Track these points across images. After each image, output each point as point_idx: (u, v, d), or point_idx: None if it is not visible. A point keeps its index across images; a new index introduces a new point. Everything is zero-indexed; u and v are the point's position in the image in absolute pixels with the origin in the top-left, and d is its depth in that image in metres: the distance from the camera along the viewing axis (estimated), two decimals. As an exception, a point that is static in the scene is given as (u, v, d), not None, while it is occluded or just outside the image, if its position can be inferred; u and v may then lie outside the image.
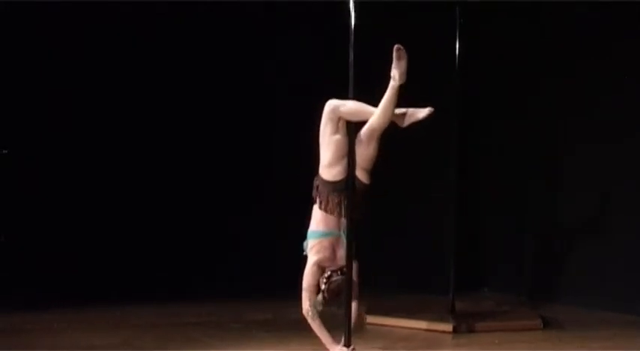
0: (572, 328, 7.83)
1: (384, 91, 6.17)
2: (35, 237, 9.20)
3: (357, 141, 6.14)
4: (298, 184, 6.92)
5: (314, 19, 9.36)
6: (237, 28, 9.72)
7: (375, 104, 6.20)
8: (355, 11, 6.17)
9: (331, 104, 6.15)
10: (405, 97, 6.23)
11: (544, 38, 8.99)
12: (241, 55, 9.75)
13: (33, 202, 9.26)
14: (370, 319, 7.80)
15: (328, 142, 6.12)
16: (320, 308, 6.04)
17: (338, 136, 6.11)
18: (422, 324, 7.65)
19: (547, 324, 7.83)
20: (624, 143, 8.40)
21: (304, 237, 6.22)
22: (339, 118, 6.13)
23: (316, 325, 6.03)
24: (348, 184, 6.07)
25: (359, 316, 6.36)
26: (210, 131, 9.72)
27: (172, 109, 9.66)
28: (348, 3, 6.18)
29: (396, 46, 6.02)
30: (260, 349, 6.77)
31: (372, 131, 6.14)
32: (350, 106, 6.13)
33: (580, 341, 7.28)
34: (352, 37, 6.17)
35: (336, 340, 6.13)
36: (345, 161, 6.09)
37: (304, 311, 6.04)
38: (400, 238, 9.40)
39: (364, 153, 6.14)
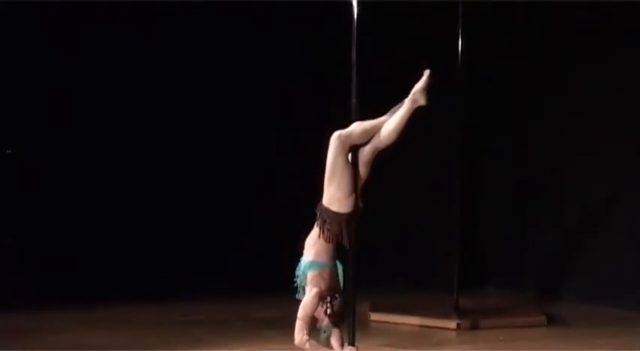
0: (577, 324, 7.84)
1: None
2: (38, 236, 9.20)
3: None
4: (300, 182, 6.91)
5: (315, 18, 9.36)
6: (237, 28, 9.72)
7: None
8: (358, 9, 6.13)
9: (341, 136, 5.97)
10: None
11: (547, 37, 8.99)
12: (243, 55, 9.75)
13: (36, 201, 9.27)
14: (374, 316, 7.82)
15: (342, 177, 5.94)
16: (329, 332, 6.01)
17: (349, 168, 5.98)
18: (426, 321, 7.66)
19: (551, 321, 7.83)
20: (628, 142, 8.41)
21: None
22: (350, 148, 6.00)
23: (314, 349, 5.98)
24: (358, 212, 6.00)
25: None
26: (212, 131, 9.72)
27: (173, 110, 9.66)
28: (351, 2, 6.14)
29: (428, 72, 6.01)
30: (266, 347, 6.76)
31: (375, 149, 6.05)
32: (359, 130, 6.00)
33: (585, 338, 7.28)
34: (354, 35, 6.14)
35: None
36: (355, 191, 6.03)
37: (298, 341, 5.96)
38: (404, 235, 9.40)
39: (363, 173, 6.05)
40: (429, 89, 6.05)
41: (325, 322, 5.96)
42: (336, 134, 5.99)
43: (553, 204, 8.99)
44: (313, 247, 6.03)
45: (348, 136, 5.99)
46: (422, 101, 6.03)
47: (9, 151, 9.19)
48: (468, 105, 8.28)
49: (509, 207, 9.37)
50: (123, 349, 6.70)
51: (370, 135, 6.03)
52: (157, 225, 9.52)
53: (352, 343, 6.08)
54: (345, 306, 5.99)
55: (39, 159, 9.35)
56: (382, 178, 6.25)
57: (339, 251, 6.07)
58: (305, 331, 5.93)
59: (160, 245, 9.46)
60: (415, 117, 6.09)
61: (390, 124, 6.03)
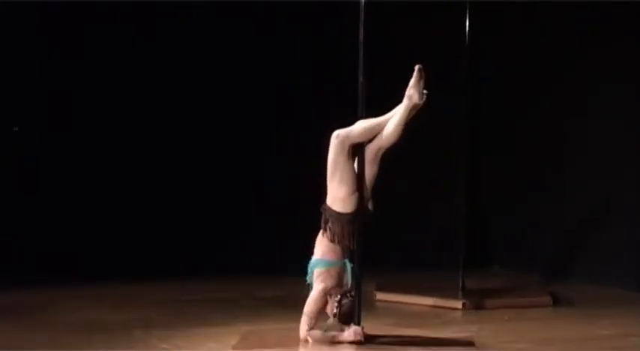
0: (582, 305, 7.85)
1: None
2: (47, 213, 9.21)
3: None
4: (309, 160, 6.90)
5: (317, 18, 9.42)
6: (238, 28, 9.73)
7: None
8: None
9: (339, 135, 5.94)
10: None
11: (547, 37, 9.02)
12: (244, 53, 9.76)
13: (45, 177, 9.27)
14: (380, 295, 7.83)
15: (342, 176, 5.91)
16: (334, 332, 5.99)
17: (351, 167, 5.95)
18: (431, 301, 7.68)
19: (557, 301, 7.83)
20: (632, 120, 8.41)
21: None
22: (351, 146, 5.97)
23: (319, 338, 5.98)
24: (362, 213, 5.95)
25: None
26: (218, 114, 9.74)
27: (177, 108, 9.67)
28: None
29: (418, 67, 5.98)
30: (272, 325, 6.77)
31: (378, 150, 6.03)
32: (359, 129, 5.96)
33: (590, 318, 7.29)
34: (362, 13, 6.10)
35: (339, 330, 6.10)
36: (356, 190, 5.98)
37: (301, 335, 5.97)
38: (410, 214, 9.41)
39: (369, 175, 6.01)
40: (421, 84, 6.01)
41: (329, 321, 5.95)
42: (335, 134, 5.98)
43: (559, 184, 9.00)
44: (320, 245, 6.04)
45: (347, 135, 5.96)
46: (416, 98, 6.00)
47: (16, 129, 9.20)
48: (477, 85, 8.31)
49: (514, 186, 9.37)
50: (125, 327, 6.70)
51: (373, 133, 6.01)
52: (165, 202, 9.54)
53: (358, 323, 6.07)
54: (354, 306, 5.98)
55: (49, 138, 9.35)
56: (388, 161, 6.23)
57: (349, 250, 6.03)
58: (308, 326, 5.94)
59: (168, 223, 9.48)
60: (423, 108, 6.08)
61: (390, 123, 6.02)
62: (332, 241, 5.98)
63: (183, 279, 8.55)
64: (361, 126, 6.00)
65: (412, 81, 6.02)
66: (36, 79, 9.21)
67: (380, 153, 6.05)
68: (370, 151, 6.03)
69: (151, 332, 6.53)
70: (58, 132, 9.35)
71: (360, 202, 5.95)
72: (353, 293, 6.00)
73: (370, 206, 6.03)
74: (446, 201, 9.00)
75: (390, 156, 6.17)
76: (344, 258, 6.02)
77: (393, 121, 6.00)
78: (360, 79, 6.06)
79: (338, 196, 5.96)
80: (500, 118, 9.46)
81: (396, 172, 8.66)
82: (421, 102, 6.02)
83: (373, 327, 6.26)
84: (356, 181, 5.96)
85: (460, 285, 7.89)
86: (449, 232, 8.56)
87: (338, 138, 5.95)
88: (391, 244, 9.01)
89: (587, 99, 8.72)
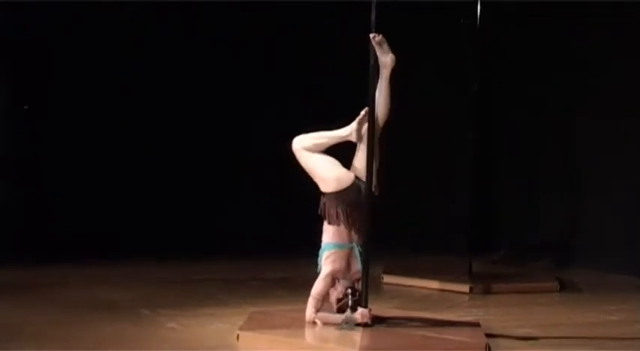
0: (589, 290, 7.86)
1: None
2: (54, 192, 9.24)
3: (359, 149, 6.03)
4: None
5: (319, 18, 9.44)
6: (239, 27, 9.78)
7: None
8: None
9: (294, 142, 6.08)
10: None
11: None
12: (241, 42, 9.82)
13: (51, 156, 9.30)
14: (388, 278, 7.85)
15: (313, 162, 6.01)
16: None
17: (316, 154, 6.03)
18: (439, 284, 7.69)
19: (563, 286, 7.84)
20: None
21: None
22: (306, 147, 6.06)
23: (324, 319, 5.97)
24: (355, 191, 5.93)
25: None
26: (220, 94, 9.78)
27: (178, 88, 9.74)
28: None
29: (371, 36, 5.96)
30: (277, 306, 6.78)
31: (378, 127, 6.00)
32: (311, 136, 6.07)
33: (596, 303, 7.30)
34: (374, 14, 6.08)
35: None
36: (341, 168, 6.00)
37: (307, 317, 5.98)
38: (418, 199, 9.42)
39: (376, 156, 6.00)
40: (385, 47, 5.98)
41: (345, 315, 5.92)
42: (294, 147, 6.06)
43: (567, 170, 9.00)
44: (326, 230, 6.05)
45: (300, 140, 6.06)
46: (389, 62, 6.00)
47: (26, 107, 9.23)
48: (484, 70, 8.27)
49: (522, 171, 9.38)
50: (133, 306, 6.72)
51: (322, 143, 6.04)
52: (172, 183, 9.58)
53: (365, 306, 6.07)
54: (348, 306, 5.97)
55: (56, 116, 9.39)
56: (396, 143, 6.22)
57: (358, 233, 6.02)
58: (314, 309, 5.94)
59: (175, 204, 9.51)
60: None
61: (380, 99, 6.00)
62: (329, 223, 5.98)
63: (191, 259, 8.58)
64: (313, 135, 6.08)
65: (377, 51, 6.00)
66: (45, 66, 9.28)
67: (380, 131, 6.04)
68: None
69: (158, 311, 6.54)
70: (69, 112, 9.39)
71: (358, 184, 5.94)
72: (356, 294, 5.99)
73: (375, 191, 6.01)
74: (455, 186, 9.02)
75: (401, 142, 6.16)
76: (351, 241, 6.01)
77: (379, 95, 6.01)
78: (372, 62, 6.04)
79: (322, 177, 6.01)
80: (510, 105, 9.45)
81: (406, 157, 8.76)
82: (394, 63, 6.02)
83: (380, 310, 6.26)
84: (331, 160, 6.02)
85: (467, 269, 7.91)
86: (457, 217, 8.56)
87: (294, 145, 6.08)
88: (399, 228, 9.02)
89: (593, 93, 8.73)
